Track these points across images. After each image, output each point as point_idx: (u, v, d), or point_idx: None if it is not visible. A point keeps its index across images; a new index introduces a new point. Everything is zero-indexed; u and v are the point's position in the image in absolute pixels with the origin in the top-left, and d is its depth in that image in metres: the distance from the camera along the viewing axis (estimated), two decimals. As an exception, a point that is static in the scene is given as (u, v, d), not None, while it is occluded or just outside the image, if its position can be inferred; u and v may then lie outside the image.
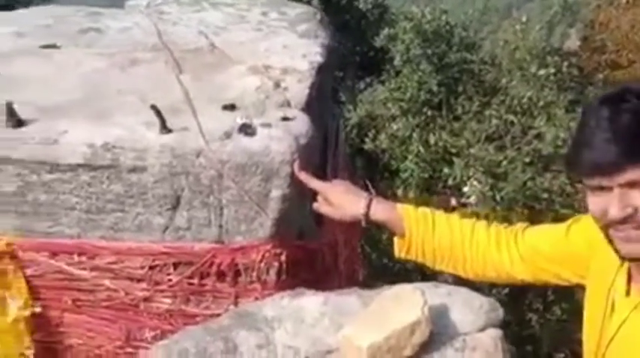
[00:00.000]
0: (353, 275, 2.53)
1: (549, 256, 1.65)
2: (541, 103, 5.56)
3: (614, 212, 1.30)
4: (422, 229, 1.73)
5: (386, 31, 6.14)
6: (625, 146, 1.27)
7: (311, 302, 1.67)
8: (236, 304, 1.98)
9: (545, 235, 1.69)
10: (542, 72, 5.64)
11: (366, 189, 1.89)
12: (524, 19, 6.00)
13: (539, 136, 5.38)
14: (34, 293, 1.97)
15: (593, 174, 1.31)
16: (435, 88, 5.70)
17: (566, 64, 5.75)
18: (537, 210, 5.15)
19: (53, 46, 2.22)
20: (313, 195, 1.94)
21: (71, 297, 1.99)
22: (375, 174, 5.64)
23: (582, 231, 1.59)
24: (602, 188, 1.31)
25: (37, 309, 1.97)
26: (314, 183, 1.86)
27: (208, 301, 1.99)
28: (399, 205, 1.78)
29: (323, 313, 1.63)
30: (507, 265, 1.70)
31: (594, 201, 1.34)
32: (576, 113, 5.41)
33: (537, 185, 5.15)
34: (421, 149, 5.53)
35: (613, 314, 1.43)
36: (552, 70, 5.65)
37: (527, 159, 5.21)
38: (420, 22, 5.65)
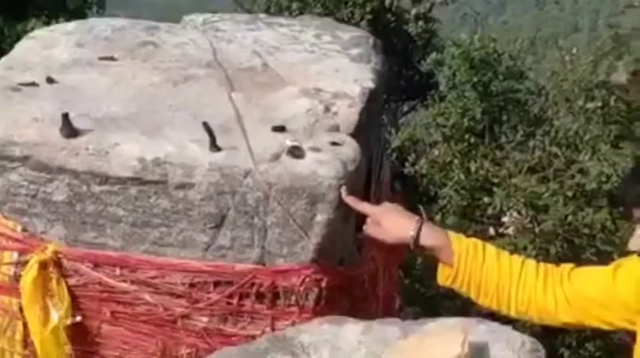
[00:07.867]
0: (390, 302, 2.51)
1: (596, 300, 1.62)
2: (586, 137, 5.50)
3: None
4: (471, 261, 1.71)
5: (433, 55, 6.15)
6: None
7: (350, 330, 1.66)
8: (273, 326, 1.97)
9: (591, 279, 1.67)
10: (589, 105, 5.58)
11: (416, 213, 1.87)
12: (574, 50, 5.95)
13: (582, 170, 5.32)
14: (75, 302, 1.98)
15: None
16: (479, 116, 5.68)
17: (613, 97, 5.68)
18: (577, 244, 5.09)
19: (111, 59, 2.24)
20: (357, 220, 1.94)
21: (110, 309, 2.00)
22: (414, 199, 5.62)
23: (629, 275, 1.56)
24: None
25: (78, 319, 1.98)
26: (363, 206, 1.86)
27: (245, 322, 1.98)
28: (450, 233, 1.77)
29: (361, 342, 1.62)
30: (552, 308, 1.68)
31: None
32: (622, 148, 5.35)
33: (578, 219, 5.09)
34: (461, 176, 5.50)
35: None
36: (599, 104, 5.58)
37: (569, 193, 5.15)
38: (468, 49, 5.63)
